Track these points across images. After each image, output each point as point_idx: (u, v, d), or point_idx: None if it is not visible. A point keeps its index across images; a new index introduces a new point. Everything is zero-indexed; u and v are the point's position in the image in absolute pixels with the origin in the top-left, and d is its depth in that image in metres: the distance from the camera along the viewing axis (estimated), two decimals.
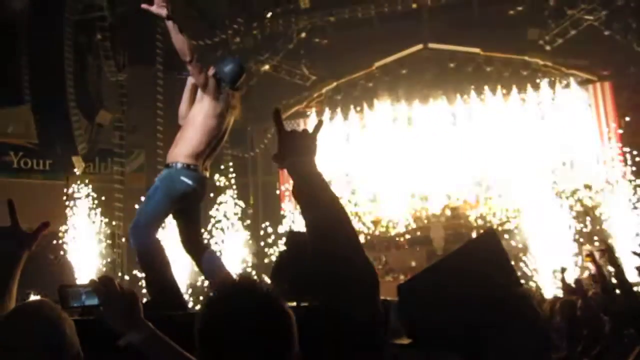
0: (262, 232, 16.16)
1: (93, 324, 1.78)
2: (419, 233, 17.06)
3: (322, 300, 1.71)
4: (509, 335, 1.79)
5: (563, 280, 6.97)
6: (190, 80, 4.81)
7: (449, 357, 1.78)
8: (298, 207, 1.79)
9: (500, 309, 1.76)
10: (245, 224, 15.69)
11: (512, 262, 2.34)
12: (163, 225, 4.76)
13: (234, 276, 5.08)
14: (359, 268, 1.69)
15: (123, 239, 14.40)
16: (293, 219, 16.41)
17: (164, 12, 4.42)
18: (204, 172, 4.68)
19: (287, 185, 17.53)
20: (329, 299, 1.67)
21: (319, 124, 1.87)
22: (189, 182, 4.50)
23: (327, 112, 18.42)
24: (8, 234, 2.13)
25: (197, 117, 4.64)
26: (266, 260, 15.36)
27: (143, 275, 4.61)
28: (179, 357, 1.71)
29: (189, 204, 4.67)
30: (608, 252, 4.36)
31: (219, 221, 15.23)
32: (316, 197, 1.76)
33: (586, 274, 11.60)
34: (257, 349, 1.44)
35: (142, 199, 5.02)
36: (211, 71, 4.71)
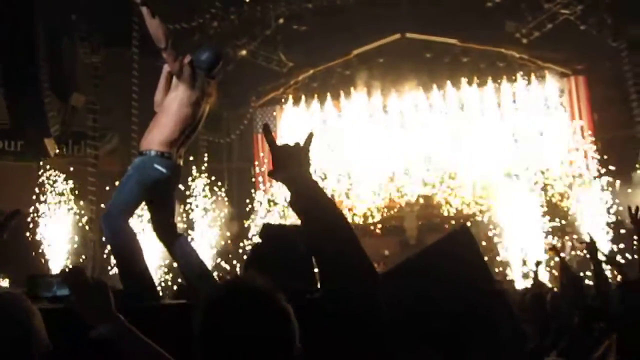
0: (235, 220, 16.13)
1: (64, 314, 1.77)
2: (392, 222, 17.16)
3: (324, 294, 1.78)
4: (486, 333, 1.82)
5: (536, 273, 7.09)
6: (166, 67, 4.77)
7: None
8: (298, 219, 1.83)
9: (476, 308, 1.78)
10: (219, 210, 15.65)
11: (485, 257, 2.36)
12: (137, 213, 4.74)
13: (211, 270, 5.07)
14: (364, 268, 1.74)
15: (96, 224, 14.27)
16: (266, 207, 16.45)
17: None
18: (178, 160, 4.65)
19: (262, 170, 17.55)
20: (332, 295, 1.73)
21: (310, 136, 1.87)
22: (163, 169, 4.47)
23: (303, 99, 18.40)
24: None
25: (171, 104, 4.60)
26: (239, 249, 15.37)
27: (115, 263, 4.58)
28: (149, 348, 1.72)
29: (162, 192, 4.64)
30: (590, 246, 4.40)
31: (194, 208, 15.20)
32: (316, 208, 1.79)
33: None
34: (260, 348, 1.46)
35: (116, 183, 4.99)
36: (187, 59, 4.67)
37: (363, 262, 1.74)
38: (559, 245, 12.90)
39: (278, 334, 1.47)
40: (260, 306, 1.48)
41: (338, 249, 1.73)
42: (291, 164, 1.82)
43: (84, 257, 14.31)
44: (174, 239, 4.69)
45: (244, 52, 17.50)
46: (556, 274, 11.29)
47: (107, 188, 12.73)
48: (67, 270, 1.75)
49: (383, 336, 1.73)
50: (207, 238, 15.07)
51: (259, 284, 1.54)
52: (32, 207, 13.82)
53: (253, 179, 17.84)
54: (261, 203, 16.88)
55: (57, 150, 14.34)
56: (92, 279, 1.72)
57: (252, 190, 17.37)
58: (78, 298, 1.69)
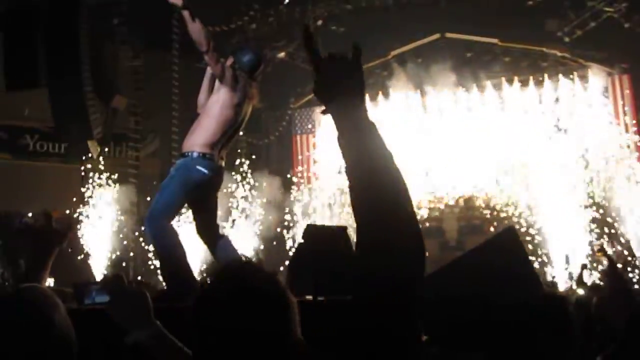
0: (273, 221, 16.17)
1: (104, 320, 1.79)
2: (431, 224, 17.01)
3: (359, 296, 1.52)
4: (538, 337, 1.77)
5: (581, 276, 6.95)
6: (209, 69, 4.80)
7: (473, 357, 1.76)
8: (344, 162, 1.52)
9: (527, 311, 1.74)
10: (258, 211, 15.74)
11: (531, 258, 2.32)
12: (179, 214, 4.78)
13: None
14: (411, 250, 1.54)
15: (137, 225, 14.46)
16: (305, 209, 16.47)
17: (179, 1, 4.41)
18: (220, 161, 4.68)
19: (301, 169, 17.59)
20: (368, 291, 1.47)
21: (358, 50, 1.54)
22: (205, 171, 4.51)
23: None
24: (43, 232, 2.20)
25: (214, 107, 4.64)
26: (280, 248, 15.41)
27: (159, 264, 4.63)
28: (183, 355, 1.72)
29: (204, 194, 4.67)
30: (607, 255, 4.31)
31: (235, 208, 15.31)
32: (370, 161, 1.49)
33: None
34: (249, 334, 1.33)
35: (156, 184, 5.05)
36: (229, 61, 4.70)
37: (415, 240, 1.53)
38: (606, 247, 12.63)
39: (266, 327, 1.32)
40: (246, 297, 1.34)
41: (392, 222, 1.43)
42: (344, 87, 1.48)
43: (123, 259, 14.51)
44: (216, 240, 4.72)
45: (282, 54, 17.55)
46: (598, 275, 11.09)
47: (148, 190, 12.92)
48: (106, 278, 1.79)
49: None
50: (247, 239, 15.14)
51: (251, 267, 1.45)
52: (76, 209, 14.07)
53: (293, 179, 17.81)
54: (300, 203, 16.89)
55: (100, 152, 14.57)
56: (131, 287, 1.75)
57: (291, 191, 17.40)
58: (116, 305, 1.71)
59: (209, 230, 4.74)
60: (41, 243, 2.33)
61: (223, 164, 4.75)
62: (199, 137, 4.57)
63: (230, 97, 4.60)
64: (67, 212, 13.22)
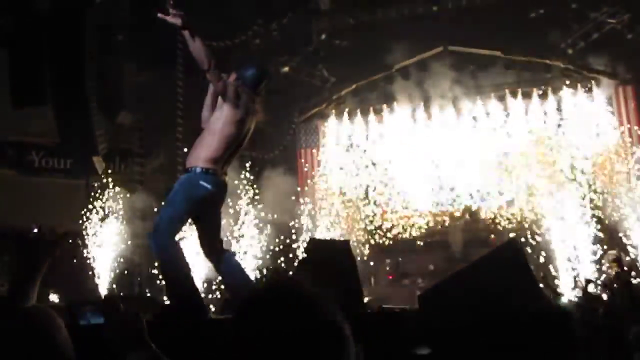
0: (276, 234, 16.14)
1: (98, 340, 1.80)
2: (437, 237, 16.98)
3: None
4: (543, 350, 1.77)
5: (585, 290, 6.92)
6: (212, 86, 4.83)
7: None
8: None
9: (524, 320, 1.74)
10: (262, 225, 15.72)
11: (534, 271, 2.31)
12: (183, 230, 4.78)
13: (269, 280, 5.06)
14: None
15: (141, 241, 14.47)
16: (309, 222, 16.45)
17: (178, 21, 4.45)
18: (224, 177, 4.69)
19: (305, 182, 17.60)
20: None
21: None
22: (208, 186, 4.52)
23: (346, 113, 18.41)
24: (33, 243, 2.19)
25: (216, 123, 4.66)
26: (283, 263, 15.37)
27: (162, 278, 4.63)
28: None
29: (208, 209, 4.69)
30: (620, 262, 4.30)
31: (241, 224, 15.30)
32: None
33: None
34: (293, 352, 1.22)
35: (162, 201, 5.06)
36: (232, 77, 4.72)
37: None
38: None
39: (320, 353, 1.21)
40: (302, 316, 1.23)
41: None
42: None
43: (129, 275, 14.51)
44: (220, 255, 4.72)
45: (286, 68, 17.61)
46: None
47: (153, 205, 12.94)
48: (102, 298, 1.80)
49: None
50: (250, 253, 15.13)
51: (303, 289, 1.33)
52: (82, 224, 14.09)
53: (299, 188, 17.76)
54: (305, 217, 16.87)
55: (105, 168, 14.62)
56: (125, 309, 1.76)
57: (295, 205, 17.38)
58: (111, 327, 1.72)
59: (212, 245, 4.75)
60: (29, 256, 2.32)
61: (226, 179, 4.76)
62: (202, 153, 4.59)
63: (233, 113, 4.62)
64: (73, 227, 13.25)
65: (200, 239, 4.77)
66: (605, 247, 13.47)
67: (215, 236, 4.79)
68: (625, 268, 4.99)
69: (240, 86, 4.70)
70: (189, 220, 4.81)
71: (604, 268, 11.49)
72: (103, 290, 13.80)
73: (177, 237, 4.57)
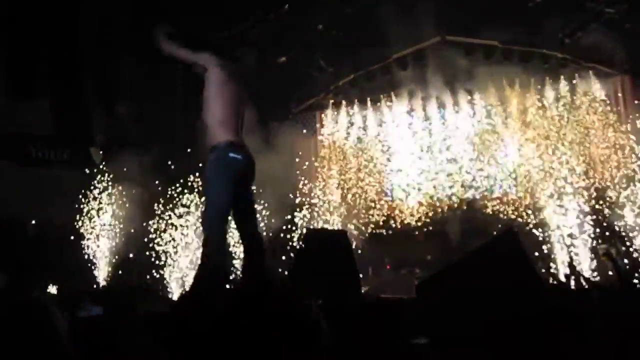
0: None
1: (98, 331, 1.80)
2: (435, 226, 17.00)
3: None
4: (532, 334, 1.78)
5: (578, 279, 6.95)
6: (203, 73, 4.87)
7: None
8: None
9: (522, 309, 1.75)
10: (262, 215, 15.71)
11: (531, 260, 2.32)
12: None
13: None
14: None
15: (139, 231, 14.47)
16: (309, 212, 16.45)
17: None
18: (247, 147, 4.68)
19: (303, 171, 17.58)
20: None
21: None
22: (238, 156, 4.48)
23: (343, 104, 18.40)
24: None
25: (210, 93, 4.70)
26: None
27: (200, 263, 4.46)
28: None
29: (243, 181, 4.61)
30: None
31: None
32: None
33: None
34: None
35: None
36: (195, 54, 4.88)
37: None
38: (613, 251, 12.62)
39: None
40: None
41: None
42: None
43: (128, 265, 14.51)
44: (250, 241, 4.65)
45: (283, 59, 17.56)
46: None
47: (151, 195, 12.95)
48: (100, 291, 1.81)
49: None
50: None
51: None
52: (79, 216, 14.09)
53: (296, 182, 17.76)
54: (302, 207, 16.88)
55: (102, 159, 14.60)
56: (123, 300, 1.77)
57: (292, 195, 17.38)
58: (108, 318, 1.74)
59: (244, 229, 4.66)
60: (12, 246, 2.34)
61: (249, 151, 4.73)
62: (216, 128, 4.58)
63: (216, 76, 4.68)
64: (71, 218, 13.26)
65: (237, 218, 4.68)
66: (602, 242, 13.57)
67: (247, 218, 4.70)
68: (618, 261, 5.02)
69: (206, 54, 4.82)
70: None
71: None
72: (101, 281, 13.82)
73: (228, 222, 4.47)
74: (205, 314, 4.21)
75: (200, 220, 4.59)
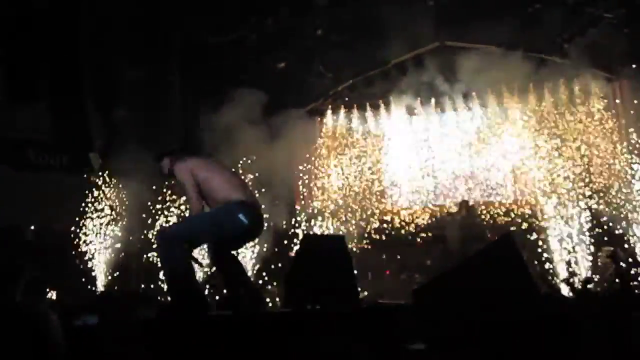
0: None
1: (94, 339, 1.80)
2: (434, 232, 16.97)
3: None
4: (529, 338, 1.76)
5: (584, 288, 6.92)
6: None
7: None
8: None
9: (519, 315, 1.73)
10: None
11: (528, 266, 2.31)
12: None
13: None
14: None
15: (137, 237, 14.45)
16: (308, 218, 16.44)
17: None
18: (260, 209, 4.65)
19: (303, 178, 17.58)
20: None
21: None
22: (245, 221, 4.43)
23: (342, 109, 18.41)
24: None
25: (204, 187, 4.73)
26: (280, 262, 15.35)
27: (165, 280, 4.49)
28: None
29: (237, 239, 4.62)
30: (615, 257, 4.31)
31: None
32: None
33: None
34: None
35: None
36: (166, 161, 4.98)
37: None
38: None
39: None
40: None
41: None
42: None
43: (126, 270, 14.49)
44: (225, 258, 4.67)
45: (282, 64, 17.57)
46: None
47: (149, 200, 12.92)
48: (96, 299, 1.81)
49: None
50: (248, 246, 15.08)
51: None
52: (79, 222, 14.07)
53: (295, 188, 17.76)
54: (302, 214, 16.86)
55: (100, 164, 14.59)
56: (119, 308, 1.77)
57: (294, 202, 17.36)
58: (105, 325, 1.73)
59: (221, 254, 4.69)
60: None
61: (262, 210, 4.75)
62: (225, 192, 4.60)
63: (186, 169, 4.78)
64: (69, 224, 13.24)
65: (215, 250, 4.70)
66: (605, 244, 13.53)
67: (231, 250, 4.74)
68: (622, 264, 4.99)
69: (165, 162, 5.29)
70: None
71: (599, 263, 11.55)
72: (99, 287, 13.79)
73: (184, 248, 4.46)
74: (191, 316, 4.19)
75: (159, 232, 4.56)
